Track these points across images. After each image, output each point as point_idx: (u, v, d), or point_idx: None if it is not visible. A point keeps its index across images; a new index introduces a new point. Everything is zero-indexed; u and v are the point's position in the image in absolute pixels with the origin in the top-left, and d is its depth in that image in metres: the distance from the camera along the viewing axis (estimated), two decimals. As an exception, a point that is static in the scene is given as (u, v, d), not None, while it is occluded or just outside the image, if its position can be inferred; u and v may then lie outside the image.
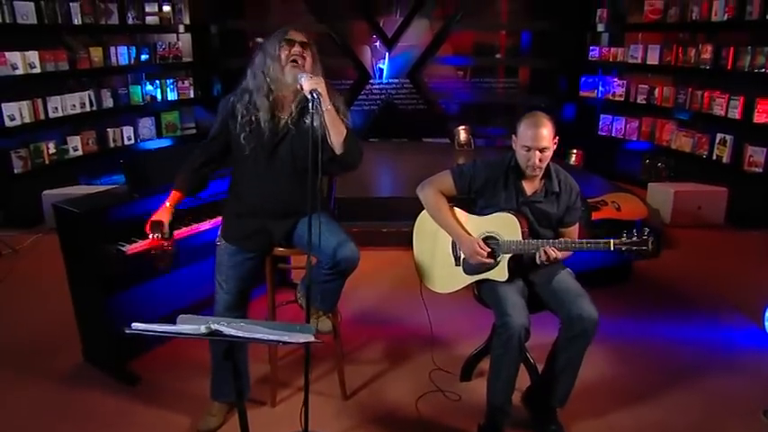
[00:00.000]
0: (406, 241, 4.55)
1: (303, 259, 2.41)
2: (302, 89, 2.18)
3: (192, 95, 6.88)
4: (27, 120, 5.08)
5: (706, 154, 5.61)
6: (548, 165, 2.50)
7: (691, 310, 3.70)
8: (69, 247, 2.84)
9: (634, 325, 3.51)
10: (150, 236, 2.43)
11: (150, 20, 6.30)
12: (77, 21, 5.50)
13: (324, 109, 2.15)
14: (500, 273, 2.49)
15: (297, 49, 2.32)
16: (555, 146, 2.46)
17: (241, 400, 1.91)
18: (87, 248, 2.71)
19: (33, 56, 5.07)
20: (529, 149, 2.41)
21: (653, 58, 6.13)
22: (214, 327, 1.61)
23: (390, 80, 7.94)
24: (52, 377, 2.95)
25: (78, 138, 5.65)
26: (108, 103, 5.94)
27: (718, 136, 5.44)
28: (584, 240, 2.39)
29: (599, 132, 6.90)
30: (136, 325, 1.64)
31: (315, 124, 2.11)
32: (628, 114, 6.58)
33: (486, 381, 2.51)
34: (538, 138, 2.39)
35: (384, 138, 7.63)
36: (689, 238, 4.87)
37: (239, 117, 2.38)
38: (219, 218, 2.68)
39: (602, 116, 6.86)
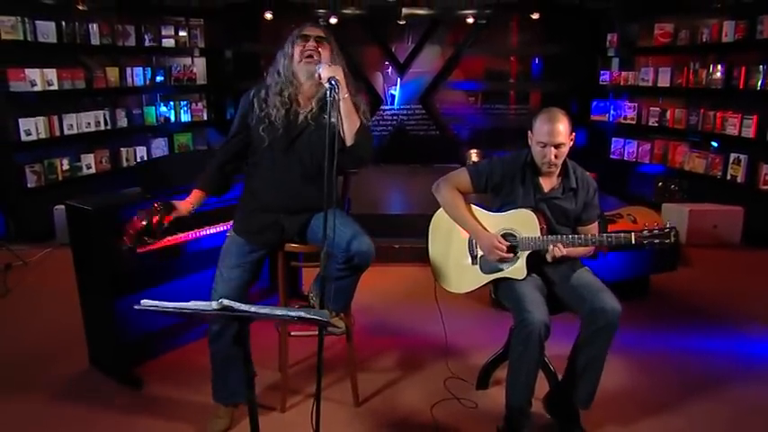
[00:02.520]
0: (418, 257, 4.56)
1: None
2: (320, 78, 2.17)
3: (205, 117, 6.97)
4: (43, 135, 5.13)
5: (720, 174, 5.55)
6: (564, 161, 2.47)
7: (711, 324, 3.60)
8: (80, 246, 2.82)
9: (654, 337, 3.41)
10: (153, 209, 2.43)
11: (166, 42, 6.42)
12: (95, 41, 5.60)
13: (341, 97, 2.13)
14: (518, 271, 2.43)
15: (311, 44, 2.32)
16: (571, 142, 2.43)
17: (251, 388, 1.84)
18: (97, 245, 2.69)
19: (52, 73, 5.15)
20: (545, 145, 2.38)
21: (664, 81, 6.13)
22: (226, 302, 1.56)
23: (402, 106, 8.00)
24: (56, 383, 2.89)
25: (92, 156, 5.68)
26: (122, 122, 6.00)
27: (732, 156, 5.39)
28: (605, 234, 2.34)
29: (611, 156, 6.86)
30: (145, 302, 1.60)
31: (332, 119, 2.08)
32: (640, 137, 6.55)
33: (503, 389, 2.43)
34: (553, 133, 2.36)
35: (395, 163, 7.62)
36: (705, 256, 4.77)
37: (257, 110, 2.38)
38: (231, 222, 2.64)
39: (613, 140, 6.83)
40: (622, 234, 2.29)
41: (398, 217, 5.18)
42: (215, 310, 1.56)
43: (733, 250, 4.98)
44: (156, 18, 6.40)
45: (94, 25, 5.57)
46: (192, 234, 2.92)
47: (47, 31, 5.13)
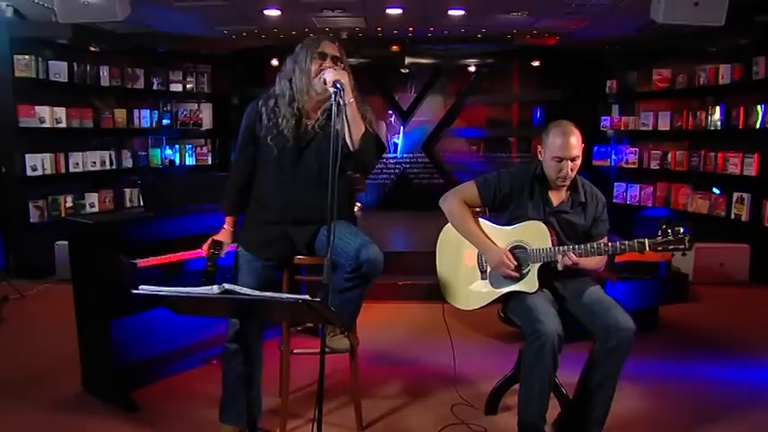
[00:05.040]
0: (423, 295, 4.47)
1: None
2: (325, 83, 2.17)
3: (209, 162, 7.04)
4: (48, 171, 5.16)
5: (724, 214, 5.53)
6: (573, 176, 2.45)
7: (724, 353, 3.50)
8: (79, 262, 2.78)
9: (667, 365, 3.31)
10: (207, 252, 2.42)
11: (174, 87, 6.58)
12: (105, 83, 5.74)
13: (346, 101, 2.13)
14: (529, 284, 2.38)
15: (328, 63, 2.31)
16: (581, 154, 2.42)
17: (251, 389, 1.76)
18: (96, 259, 2.64)
19: (61, 111, 5.25)
20: (560, 160, 2.35)
21: (664, 124, 6.21)
22: (228, 286, 1.51)
23: (405, 154, 8.08)
24: (48, 405, 2.80)
25: (96, 195, 5.69)
26: (127, 163, 6.06)
27: (735, 195, 5.38)
28: (618, 242, 2.29)
29: (614, 200, 6.86)
30: (144, 287, 1.54)
31: (337, 123, 2.08)
32: (642, 181, 6.58)
33: (513, 414, 2.34)
34: (568, 147, 2.34)
35: (399, 209, 7.61)
36: (713, 293, 4.68)
37: (265, 120, 2.36)
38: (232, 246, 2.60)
39: (616, 184, 6.85)
40: (636, 242, 2.25)
41: (402, 254, 5.10)
42: (216, 294, 1.50)
43: (741, 287, 4.91)
44: (165, 63, 6.57)
45: (105, 67, 5.71)
46: (192, 254, 2.87)
47: (59, 70, 5.26)
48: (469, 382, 3.04)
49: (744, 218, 5.29)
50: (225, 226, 2.49)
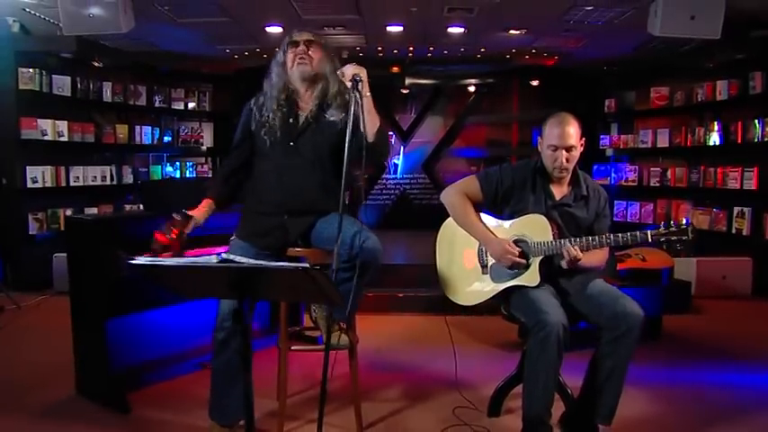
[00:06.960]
0: (423, 307, 4.43)
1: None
2: (344, 77, 2.19)
3: (210, 179, 7.04)
4: (48, 184, 5.16)
5: (725, 229, 5.51)
6: (575, 169, 2.44)
7: (728, 361, 3.45)
8: (77, 259, 2.75)
9: (672, 371, 3.26)
10: (173, 222, 2.31)
11: (176, 105, 6.64)
12: (108, 98, 5.80)
13: (364, 95, 2.15)
14: (531, 277, 2.35)
15: (301, 48, 2.36)
16: (582, 147, 2.41)
17: (247, 371, 1.72)
18: (94, 254, 2.62)
19: (63, 125, 5.27)
20: (556, 149, 2.36)
21: (663, 142, 6.25)
22: (225, 256, 1.48)
23: (405, 175, 8.09)
24: (41, 409, 2.74)
25: (95, 209, 5.67)
26: (128, 179, 6.07)
27: (736, 209, 5.37)
28: (621, 234, 2.27)
29: (614, 219, 6.84)
30: (140, 258, 1.52)
31: (354, 116, 2.09)
32: (642, 199, 6.59)
33: (517, 417, 2.30)
34: (564, 136, 2.35)
35: (399, 229, 7.58)
36: (716, 307, 4.62)
37: (257, 116, 2.43)
38: (227, 247, 2.57)
39: (616, 202, 6.84)
40: (638, 233, 2.23)
41: (403, 267, 5.07)
42: (215, 264, 1.48)
43: (744, 300, 4.86)
44: (167, 81, 6.64)
45: (108, 84, 5.77)
46: (191, 253, 2.84)
47: (62, 84, 5.31)
48: (471, 386, 2.98)
49: (745, 232, 5.28)
50: (200, 206, 2.42)
